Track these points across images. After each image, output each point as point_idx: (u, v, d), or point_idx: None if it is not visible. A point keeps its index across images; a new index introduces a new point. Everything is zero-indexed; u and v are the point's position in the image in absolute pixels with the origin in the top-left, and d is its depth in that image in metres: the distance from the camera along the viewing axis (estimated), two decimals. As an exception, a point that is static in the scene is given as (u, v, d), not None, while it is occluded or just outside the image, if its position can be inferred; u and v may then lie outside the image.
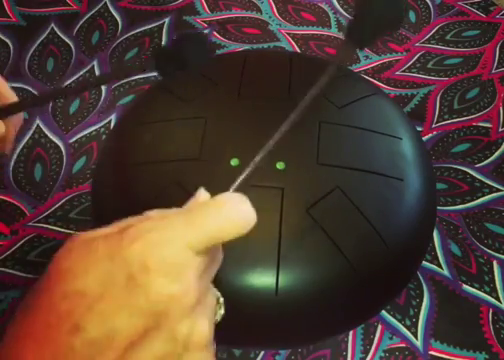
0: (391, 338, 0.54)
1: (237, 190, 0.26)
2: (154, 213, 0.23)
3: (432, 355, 0.54)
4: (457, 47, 0.78)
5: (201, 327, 0.22)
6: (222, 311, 0.25)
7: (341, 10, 0.83)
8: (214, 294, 0.25)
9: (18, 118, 0.35)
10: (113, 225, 0.22)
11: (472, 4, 0.83)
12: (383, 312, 0.55)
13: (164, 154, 0.46)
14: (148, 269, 0.20)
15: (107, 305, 0.19)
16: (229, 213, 0.22)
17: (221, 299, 0.25)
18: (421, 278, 0.58)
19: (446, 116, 0.71)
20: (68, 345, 0.19)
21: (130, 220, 0.22)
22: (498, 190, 0.65)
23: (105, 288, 0.19)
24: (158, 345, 0.20)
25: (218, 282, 0.41)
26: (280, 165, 0.44)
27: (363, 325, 0.55)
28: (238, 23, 0.80)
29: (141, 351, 0.20)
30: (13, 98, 0.34)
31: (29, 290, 0.21)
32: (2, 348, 0.20)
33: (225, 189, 0.43)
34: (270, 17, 0.81)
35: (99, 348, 0.19)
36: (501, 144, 0.68)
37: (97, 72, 0.74)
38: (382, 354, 0.53)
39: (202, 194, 0.25)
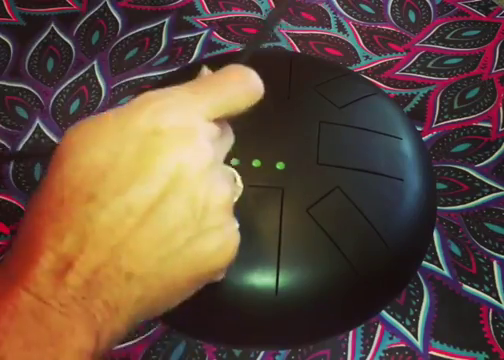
0: (391, 338, 0.54)
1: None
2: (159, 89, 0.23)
3: (432, 355, 0.54)
4: (457, 47, 0.78)
5: (221, 189, 0.21)
6: (240, 191, 0.25)
7: (341, 10, 0.83)
8: (230, 170, 0.25)
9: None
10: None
11: (472, 4, 0.83)
12: (383, 312, 0.55)
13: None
14: (160, 132, 0.20)
15: (121, 173, 0.19)
16: (237, 80, 0.23)
17: (238, 177, 0.25)
18: (421, 278, 0.58)
19: (446, 116, 0.71)
20: (85, 215, 0.19)
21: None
22: (498, 190, 0.65)
23: (118, 156, 0.19)
24: (178, 207, 0.20)
25: (218, 282, 0.41)
26: (280, 165, 0.44)
27: (363, 325, 0.55)
28: (238, 23, 0.80)
29: (161, 214, 0.20)
30: None
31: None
32: (18, 232, 0.20)
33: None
34: (270, 17, 0.81)
35: (117, 216, 0.19)
36: (501, 144, 0.68)
37: (97, 72, 0.74)
38: (382, 354, 0.53)
39: (205, 70, 0.25)
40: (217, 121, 0.22)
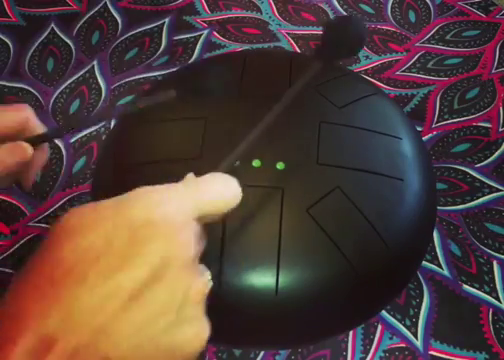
0: (391, 338, 0.54)
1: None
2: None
3: (432, 355, 0.54)
4: (457, 47, 0.78)
5: (200, 282, 0.23)
6: (210, 284, 0.27)
7: (341, 10, 0.83)
8: (204, 269, 0.27)
9: (43, 152, 0.36)
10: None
11: (472, 4, 0.83)
12: (383, 312, 0.55)
13: (164, 154, 0.46)
14: (151, 222, 0.21)
15: (113, 258, 0.20)
16: (222, 187, 0.25)
17: (208, 273, 0.27)
18: (421, 278, 0.58)
19: (446, 116, 0.71)
20: (74, 296, 0.20)
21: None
22: (498, 190, 0.65)
23: (110, 243, 0.21)
24: (160, 296, 0.21)
25: (218, 281, 0.42)
26: (280, 165, 0.44)
27: (363, 325, 0.55)
28: (238, 23, 0.80)
29: (144, 301, 0.21)
30: (41, 130, 0.35)
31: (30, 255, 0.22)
32: (3, 305, 0.20)
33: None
34: (270, 17, 0.81)
35: (104, 299, 0.20)
36: (501, 144, 0.68)
37: (97, 72, 0.74)
38: (382, 354, 0.53)
39: (189, 176, 0.27)
40: (199, 221, 0.24)
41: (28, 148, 0.32)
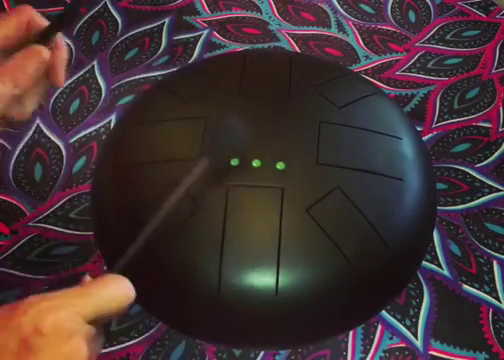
0: (391, 338, 0.54)
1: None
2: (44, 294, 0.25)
3: (432, 355, 0.54)
4: (457, 47, 0.78)
5: None
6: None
7: (341, 10, 0.83)
8: None
9: (60, 47, 0.33)
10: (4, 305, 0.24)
11: (472, 4, 0.83)
12: (383, 312, 0.55)
13: (164, 154, 0.46)
14: (41, 332, 0.21)
15: None
16: (112, 289, 0.25)
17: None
18: (421, 278, 0.58)
19: (446, 116, 0.71)
20: None
21: (21, 301, 0.24)
22: (498, 190, 0.65)
23: (2, 351, 0.21)
24: None
25: (218, 281, 0.42)
26: (280, 165, 0.44)
27: (363, 325, 0.55)
28: (238, 23, 0.80)
29: None
30: (45, 23, 0.34)
31: None
32: None
33: (224, 188, 0.43)
34: (270, 17, 0.81)
35: None
36: (501, 144, 0.68)
37: (97, 72, 0.74)
38: (382, 354, 0.53)
39: (87, 278, 0.27)
40: (93, 322, 0.24)
41: (43, 49, 0.31)
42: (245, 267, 0.41)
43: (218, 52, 0.77)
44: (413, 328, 0.55)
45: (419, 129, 0.69)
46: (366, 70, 0.75)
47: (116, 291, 0.26)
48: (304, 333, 0.45)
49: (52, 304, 0.23)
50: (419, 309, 0.56)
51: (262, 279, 0.41)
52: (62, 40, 0.34)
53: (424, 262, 0.59)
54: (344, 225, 0.43)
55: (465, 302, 0.57)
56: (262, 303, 0.41)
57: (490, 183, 0.65)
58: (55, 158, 0.67)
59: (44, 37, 0.32)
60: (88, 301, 0.24)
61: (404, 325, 0.55)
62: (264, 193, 0.43)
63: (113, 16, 0.81)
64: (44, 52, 0.31)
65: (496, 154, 0.67)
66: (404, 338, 0.54)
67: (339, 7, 0.83)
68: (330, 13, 0.82)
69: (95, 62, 0.75)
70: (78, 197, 0.64)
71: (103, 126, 0.69)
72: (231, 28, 0.79)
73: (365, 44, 0.78)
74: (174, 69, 0.75)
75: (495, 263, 0.59)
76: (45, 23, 0.34)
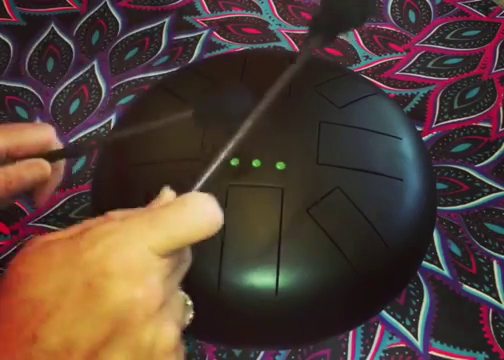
0: (391, 338, 0.54)
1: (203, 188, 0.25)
2: (115, 213, 0.22)
3: (432, 355, 0.54)
4: (457, 47, 0.78)
5: (167, 333, 0.20)
6: (191, 315, 0.24)
7: (341, 10, 0.82)
8: (181, 296, 0.24)
9: (59, 171, 0.34)
10: (72, 227, 0.21)
11: (472, 4, 0.83)
12: (383, 312, 0.55)
13: (164, 154, 0.46)
14: (108, 273, 0.19)
15: (66, 313, 0.18)
16: (193, 214, 0.21)
17: (189, 302, 0.24)
18: (421, 278, 0.58)
19: (446, 116, 0.71)
20: (25, 355, 0.18)
21: (89, 222, 0.21)
22: (498, 190, 0.65)
23: (63, 296, 0.19)
24: (121, 354, 0.19)
25: (218, 281, 0.42)
26: (280, 165, 0.44)
27: (363, 325, 0.55)
28: (238, 23, 0.80)
29: None
30: (58, 146, 0.35)
31: None
32: None
33: (224, 188, 0.43)
34: (270, 17, 0.81)
35: (58, 358, 0.18)
36: (501, 144, 0.68)
37: (97, 72, 0.74)
38: (382, 354, 0.53)
39: (166, 193, 0.24)
40: (171, 256, 0.21)
41: (47, 166, 0.32)
42: (245, 267, 0.41)
43: (218, 52, 0.77)
44: (413, 328, 0.55)
45: (419, 129, 0.69)
46: (366, 70, 0.75)
47: (201, 216, 0.22)
48: (304, 333, 0.45)
49: (121, 238, 0.20)
50: (419, 309, 0.56)
51: (262, 279, 0.41)
52: (63, 166, 0.35)
53: (424, 262, 0.59)
54: (344, 225, 0.43)
55: (465, 302, 0.57)
56: (262, 303, 0.41)
57: (490, 183, 0.65)
58: (55, 158, 0.67)
59: (49, 156, 0.33)
60: (165, 232, 0.20)
61: (404, 325, 0.55)
62: (264, 193, 0.43)
63: (113, 16, 0.81)
64: (47, 168, 0.32)
65: (496, 154, 0.67)
66: (404, 338, 0.54)
67: (339, 7, 0.83)
68: (330, 13, 0.82)
69: (95, 62, 0.75)
70: (78, 197, 0.64)
71: (103, 126, 0.69)
72: (231, 28, 0.79)
73: (365, 44, 0.78)
74: (174, 69, 0.75)
75: (495, 263, 0.59)
76: (59, 146, 0.34)
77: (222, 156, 0.26)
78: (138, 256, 0.19)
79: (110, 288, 0.19)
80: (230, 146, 0.26)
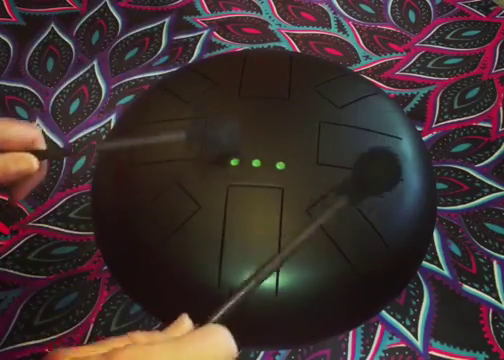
0: (391, 338, 0.54)
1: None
2: (139, 336, 0.23)
3: (432, 355, 0.54)
4: (457, 47, 0.78)
5: None
6: None
7: (341, 10, 0.83)
8: None
9: (42, 170, 0.35)
10: (97, 344, 0.22)
11: (472, 4, 0.83)
12: (383, 312, 0.55)
13: (164, 154, 0.46)
14: None
15: None
16: (214, 348, 0.23)
17: None
18: (421, 278, 0.58)
19: (446, 116, 0.71)
20: None
21: (115, 342, 0.22)
22: (498, 190, 0.65)
23: None
24: None
25: (218, 281, 0.42)
26: (280, 165, 0.44)
27: (363, 325, 0.55)
28: (238, 23, 0.80)
29: None
30: (43, 147, 0.35)
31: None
32: None
33: (224, 188, 0.43)
34: (270, 17, 0.81)
35: None
36: (501, 144, 0.68)
37: (97, 72, 0.74)
38: (382, 354, 0.53)
39: (185, 322, 0.26)
40: None
41: (35, 162, 0.32)
42: (245, 267, 0.41)
43: (218, 52, 0.77)
44: (413, 328, 0.55)
45: (419, 129, 0.69)
46: (366, 70, 0.75)
47: (218, 350, 0.24)
48: (304, 333, 0.45)
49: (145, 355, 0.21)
50: (419, 309, 0.56)
51: (262, 279, 0.41)
52: (46, 167, 0.35)
53: (424, 262, 0.59)
54: (344, 225, 0.43)
55: (465, 302, 0.57)
56: (262, 303, 0.41)
57: (490, 183, 0.65)
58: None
59: (35, 154, 0.33)
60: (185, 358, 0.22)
61: (404, 325, 0.55)
62: (264, 193, 0.43)
63: (113, 16, 0.81)
64: (34, 164, 0.32)
65: (496, 154, 0.67)
66: (404, 338, 0.54)
67: (339, 7, 0.83)
68: (330, 13, 0.82)
69: (95, 62, 0.75)
70: (78, 197, 0.64)
71: (103, 126, 0.69)
72: (231, 28, 0.79)
73: (365, 44, 0.78)
74: (174, 69, 0.75)
75: (495, 263, 0.59)
76: (43, 146, 0.34)
77: (246, 289, 0.28)
78: None
79: None
80: (257, 280, 0.28)
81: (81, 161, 0.66)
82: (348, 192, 0.29)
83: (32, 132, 0.33)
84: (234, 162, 0.44)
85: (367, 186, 0.29)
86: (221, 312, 0.27)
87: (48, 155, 0.34)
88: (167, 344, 0.22)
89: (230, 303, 0.27)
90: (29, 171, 0.32)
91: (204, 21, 0.80)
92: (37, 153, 0.33)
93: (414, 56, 0.77)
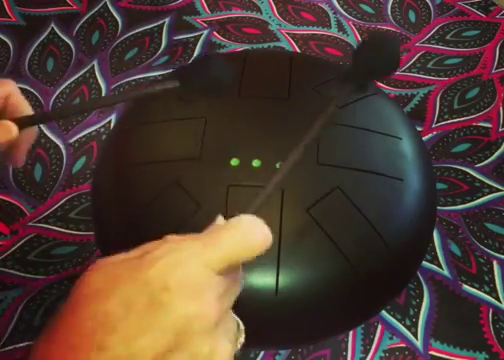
0: (391, 338, 0.54)
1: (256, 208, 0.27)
2: (173, 236, 0.24)
3: (432, 355, 0.54)
4: (457, 47, 0.78)
5: (222, 347, 0.22)
6: (242, 339, 0.25)
7: (341, 10, 0.83)
8: (234, 320, 0.25)
9: (32, 133, 0.34)
10: (132, 250, 0.23)
11: (472, 4, 0.83)
12: (383, 312, 0.55)
13: (164, 154, 0.46)
14: (168, 289, 0.20)
15: (131, 325, 0.20)
16: (244, 233, 0.23)
17: (242, 326, 0.25)
18: (421, 278, 0.58)
19: (446, 116, 0.71)
20: None
21: (149, 244, 0.23)
22: (498, 190, 0.65)
23: (129, 309, 0.20)
24: None
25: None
26: (280, 165, 0.44)
27: (363, 325, 0.55)
28: (238, 23, 0.80)
29: None
30: (28, 112, 0.34)
31: (52, 318, 0.21)
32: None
33: (224, 188, 0.43)
34: (270, 17, 0.81)
35: None
36: (501, 144, 0.68)
37: (97, 72, 0.74)
38: (382, 354, 0.53)
39: (220, 220, 0.26)
40: (225, 272, 0.23)
41: (13, 127, 0.31)
42: (245, 267, 0.41)
43: (218, 52, 0.77)
44: (413, 328, 0.55)
45: (419, 129, 0.69)
46: (366, 70, 0.75)
47: (250, 236, 0.23)
48: (304, 333, 0.45)
49: (179, 256, 0.21)
50: (419, 309, 0.56)
51: (262, 279, 0.41)
52: (35, 132, 0.35)
53: (424, 262, 0.59)
54: (344, 225, 0.43)
55: (465, 302, 0.57)
56: (262, 303, 0.41)
57: (490, 183, 0.65)
58: (55, 158, 0.67)
59: (20, 121, 0.32)
60: (218, 250, 0.22)
61: (404, 325, 0.55)
62: (264, 193, 0.43)
63: (113, 16, 0.81)
64: (13, 131, 0.31)
65: (496, 154, 0.67)
66: (404, 338, 0.54)
67: (339, 7, 0.83)
68: (330, 13, 0.82)
69: (95, 62, 0.75)
70: (78, 197, 0.64)
71: (103, 126, 0.69)
72: (231, 28, 0.79)
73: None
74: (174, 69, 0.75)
75: (495, 263, 0.59)
76: (24, 106, 0.34)
77: (274, 182, 0.28)
78: (195, 273, 0.21)
79: (170, 303, 0.20)
80: (281, 173, 0.29)
81: (81, 161, 0.66)
82: (352, 79, 0.31)
83: (6, 87, 0.32)
84: (234, 162, 0.44)
85: (369, 70, 0.30)
86: (256, 203, 0.27)
87: (28, 121, 0.34)
88: (198, 237, 0.23)
89: (263, 194, 0.27)
90: (10, 140, 0.31)
91: (204, 21, 0.80)
92: (22, 120, 0.32)
93: (414, 56, 0.77)
